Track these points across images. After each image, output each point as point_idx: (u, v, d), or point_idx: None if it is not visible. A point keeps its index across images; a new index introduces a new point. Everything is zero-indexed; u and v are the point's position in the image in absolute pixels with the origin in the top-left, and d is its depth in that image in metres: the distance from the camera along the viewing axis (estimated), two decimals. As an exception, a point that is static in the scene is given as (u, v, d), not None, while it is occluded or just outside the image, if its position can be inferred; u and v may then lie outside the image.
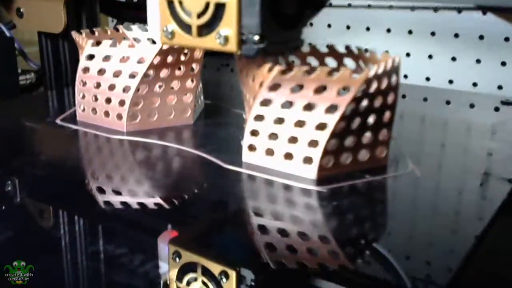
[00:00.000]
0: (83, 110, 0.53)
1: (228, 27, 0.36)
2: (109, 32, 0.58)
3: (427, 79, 0.77)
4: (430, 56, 0.76)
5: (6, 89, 0.67)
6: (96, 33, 0.57)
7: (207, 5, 0.37)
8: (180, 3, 0.38)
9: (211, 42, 0.37)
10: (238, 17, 0.36)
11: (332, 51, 0.48)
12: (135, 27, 0.59)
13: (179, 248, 0.31)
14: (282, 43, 0.39)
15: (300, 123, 0.40)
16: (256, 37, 0.36)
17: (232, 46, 0.36)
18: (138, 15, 0.75)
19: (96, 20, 0.72)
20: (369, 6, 0.79)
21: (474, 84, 0.73)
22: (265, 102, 0.41)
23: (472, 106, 0.66)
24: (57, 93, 0.70)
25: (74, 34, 0.53)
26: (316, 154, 0.40)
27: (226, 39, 0.36)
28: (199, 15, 0.37)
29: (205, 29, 0.37)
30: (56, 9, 0.68)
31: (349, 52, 0.47)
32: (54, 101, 0.68)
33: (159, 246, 0.31)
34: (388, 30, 0.78)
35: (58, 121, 0.54)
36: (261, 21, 0.35)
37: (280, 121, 0.41)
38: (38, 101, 0.70)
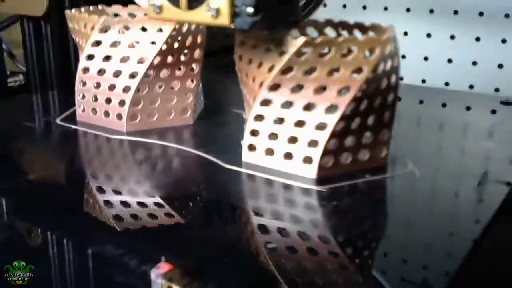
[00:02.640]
0: (83, 110, 0.53)
1: None
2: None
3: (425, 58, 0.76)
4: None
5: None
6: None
7: None
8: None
9: (201, 15, 0.35)
10: None
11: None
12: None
13: (173, 285, 0.28)
14: (279, 17, 0.37)
15: (300, 123, 0.40)
16: (250, 9, 0.34)
17: (224, 19, 0.34)
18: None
19: (80, 2, 0.68)
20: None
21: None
22: (265, 102, 0.41)
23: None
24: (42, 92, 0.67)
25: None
26: (316, 154, 0.40)
27: (217, 11, 0.34)
28: None
29: (195, 2, 0.35)
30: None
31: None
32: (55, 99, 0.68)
33: (152, 280, 0.28)
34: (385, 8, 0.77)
35: (58, 121, 0.54)
36: None
37: (280, 121, 0.41)
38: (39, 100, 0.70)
